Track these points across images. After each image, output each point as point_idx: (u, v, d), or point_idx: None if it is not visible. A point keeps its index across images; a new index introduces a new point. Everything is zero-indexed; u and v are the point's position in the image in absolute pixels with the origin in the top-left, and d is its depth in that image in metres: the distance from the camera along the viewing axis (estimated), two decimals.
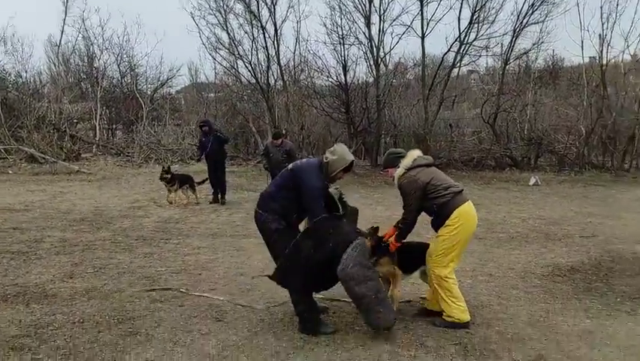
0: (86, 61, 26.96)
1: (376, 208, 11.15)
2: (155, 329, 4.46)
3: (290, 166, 4.63)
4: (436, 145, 20.75)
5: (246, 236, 8.42)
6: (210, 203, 11.79)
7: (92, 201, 11.65)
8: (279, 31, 21.72)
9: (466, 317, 4.53)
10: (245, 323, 4.63)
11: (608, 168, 19.34)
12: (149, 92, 26.81)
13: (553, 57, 27.66)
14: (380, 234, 4.89)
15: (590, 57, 22.57)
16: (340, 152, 4.49)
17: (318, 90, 22.88)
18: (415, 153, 4.79)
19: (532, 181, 16.33)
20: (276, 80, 22.78)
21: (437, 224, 4.63)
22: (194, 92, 30.64)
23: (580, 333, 4.46)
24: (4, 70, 23.53)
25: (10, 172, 17.47)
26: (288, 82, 23.08)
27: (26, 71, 24.15)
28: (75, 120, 23.30)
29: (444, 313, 4.58)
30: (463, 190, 4.66)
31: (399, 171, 4.67)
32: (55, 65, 27.75)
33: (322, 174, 4.45)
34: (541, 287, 5.79)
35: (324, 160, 4.49)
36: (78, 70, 27.69)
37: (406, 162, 4.67)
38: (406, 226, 4.66)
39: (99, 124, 23.32)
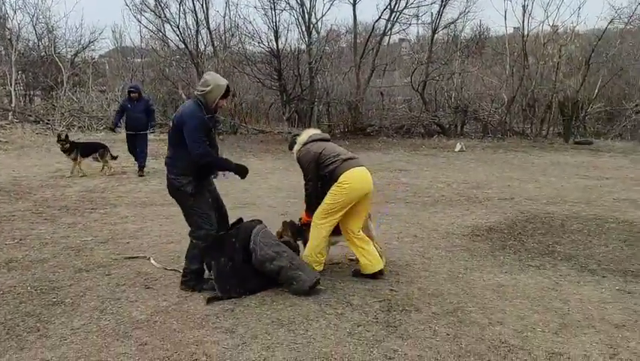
0: None
1: None
2: (80, 298, 4.38)
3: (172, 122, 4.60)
4: (368, 113, 21.10)
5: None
6: (140, 176, 11.02)
7: (10, 171, 11.05)
8: None
9: (317, 268, 4.86)
10: (175, 289, 4.63)
11: (528, 134, 20.42)
12: (69, 56, 25.36)
13: (480, 27, 28.64)
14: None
15: (514, 28, 23.53)
16: (212, 81, 4.45)
17: (250, 56, 22.54)
18: (310, 131, 5.16)
19: (458, 147, 17.01)
20: (205, 46, 22.27)
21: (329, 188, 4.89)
22: (119, 56, 29.32)
23: (494, 287, 4.80)
24: None
25: None
26: (218, 47, 22.57)
27: None
28: None
29: (303, 255, 4.96)
30: (356, 158, 4.96)
31: (296, 147, 5.03)
32: None
33: (203, 108, 4.44)
34: (462, 246, 6.14)
35: (199, 94, 4.46)
36: None
37: (301, 139, 5.04)
38: (309, 196, 4.96)
39: (15, 90, 21.87)
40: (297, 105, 22.05)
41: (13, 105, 21.25)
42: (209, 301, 4.32)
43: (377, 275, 4.94)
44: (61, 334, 3.73)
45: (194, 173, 4.48)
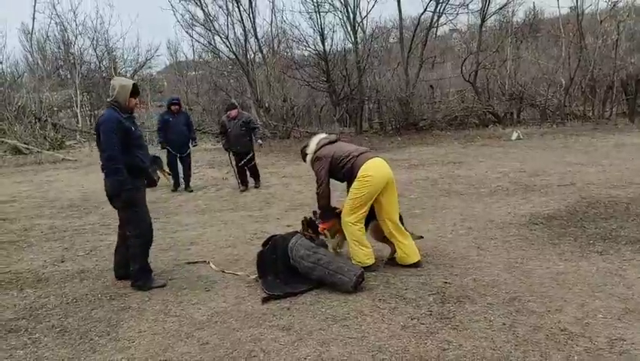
0: (61, 47, 26.61)
1: None
2: (146, 303, 4.62)
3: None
4: (419, 107, 20.86)
5: (233, 210, 8.58)
6: (172, 191, 10.54)
7: (79, 188, 11.70)
8: (253, 3, 21.57)
9: (369, 261, 5.00)
10: (233, 290, 4.80)
11: (589, 117, 19.57)
12: (128, 75, 26.55)
13: (533, 10, 27.70)
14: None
15: (570, 7, 22.63)
16: (117, 83, 4.82)
17: (298, 61, 22.80)
18: (318, 137, 5.27)
19: (515, 136, 16.53)
20: (254, 54, 22.65)
21: (350, 185, 5.01)
22: (175, 72, 30.43)
23: (553, 275, 4.68)
24: None
25: None
26: (267, 55, 22.95)
27: (1, 62, 23.89)
28: (56, 108, 23.09)
29: (351, 258, 5.04)
30: (367, 151, 5.10)
31: (308, 158, 5.19)
32: (30, 53, 27.35)
33: (118, 111, 4.75)
34: (519, 236, 6.00)
35: (110, 100, 4.79)
36: (55, 57, 27.32)
37: (310, 148, 5.19)
38: (321, 199, 5.13)
39: (81, 110, 23.15)
40: (347, 105, 22.08)
41: (79, 125, 22.49)
42: (265, 300, 4.46)
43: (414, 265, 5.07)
44: (129, 336, 3.96)
45: (129, 171, 4.79)
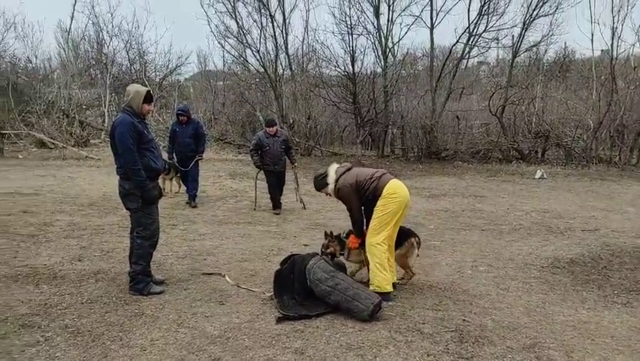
0: (95, 47, 27.09)
1: None
2: (160, 311, 4.60)
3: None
4: (443, 137, 20.76)
5: (251, 223, 8.57)
6: (187, 204, 10.10)
7: (101, 187, 11.80)
8: (287, 20, 21.86)
9: (387, 287, 4.96)
10: (247, 307, 4.75)
11: (616, 162, 19.27)
12: (157, 80, 26.93)
13: (564, 50, 27.54)
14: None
15: (602, 50, 22.46)
16: (133, 90, 4.96)
17: (326, 80, 22.90)
18: (334, 167, 5.33)
19: (539, 175, 16.32)
20: (284, 69, 22.83)
21: (375, 206, 5.03)
22: (202, 80, 30.78)
23: (575, 323, 4.55)
24: (15, 55, 23.82)
25: (20, 157, 17.70)
26: (295, 71, 23.11)
27: (36, 57, 24.52)
28: (84, 106, 23.45)
29: (370, 282, 5.00)
30: (387, 173, 5.21)
31: (331, 187, 5.20)
32: (64, 50, 27.87)
33: (132, 115, 4.85)
34: (540, 278, 5.87)
35: (125, 105, 4.93)
36: (87, 56, 27.81)
37: (330, 178, 5.22)
38: (356, 223, 5.18)
39: (108, 110, 23.47)
40: (370, 128, 22.08)
41: (105, 125, 22.78)
42: (279, 320, 4.40)
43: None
44: (141, 344, 3.92)
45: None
